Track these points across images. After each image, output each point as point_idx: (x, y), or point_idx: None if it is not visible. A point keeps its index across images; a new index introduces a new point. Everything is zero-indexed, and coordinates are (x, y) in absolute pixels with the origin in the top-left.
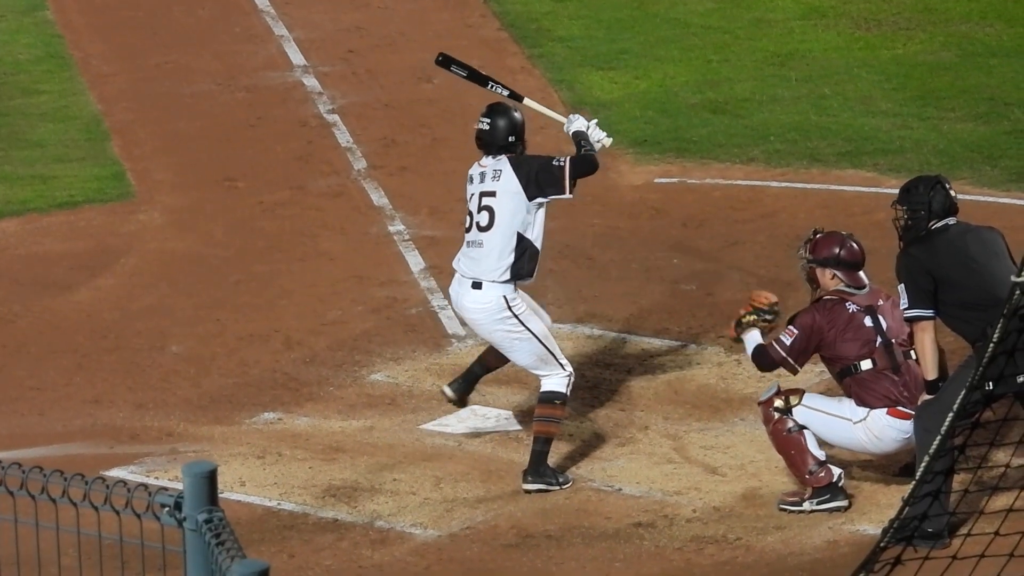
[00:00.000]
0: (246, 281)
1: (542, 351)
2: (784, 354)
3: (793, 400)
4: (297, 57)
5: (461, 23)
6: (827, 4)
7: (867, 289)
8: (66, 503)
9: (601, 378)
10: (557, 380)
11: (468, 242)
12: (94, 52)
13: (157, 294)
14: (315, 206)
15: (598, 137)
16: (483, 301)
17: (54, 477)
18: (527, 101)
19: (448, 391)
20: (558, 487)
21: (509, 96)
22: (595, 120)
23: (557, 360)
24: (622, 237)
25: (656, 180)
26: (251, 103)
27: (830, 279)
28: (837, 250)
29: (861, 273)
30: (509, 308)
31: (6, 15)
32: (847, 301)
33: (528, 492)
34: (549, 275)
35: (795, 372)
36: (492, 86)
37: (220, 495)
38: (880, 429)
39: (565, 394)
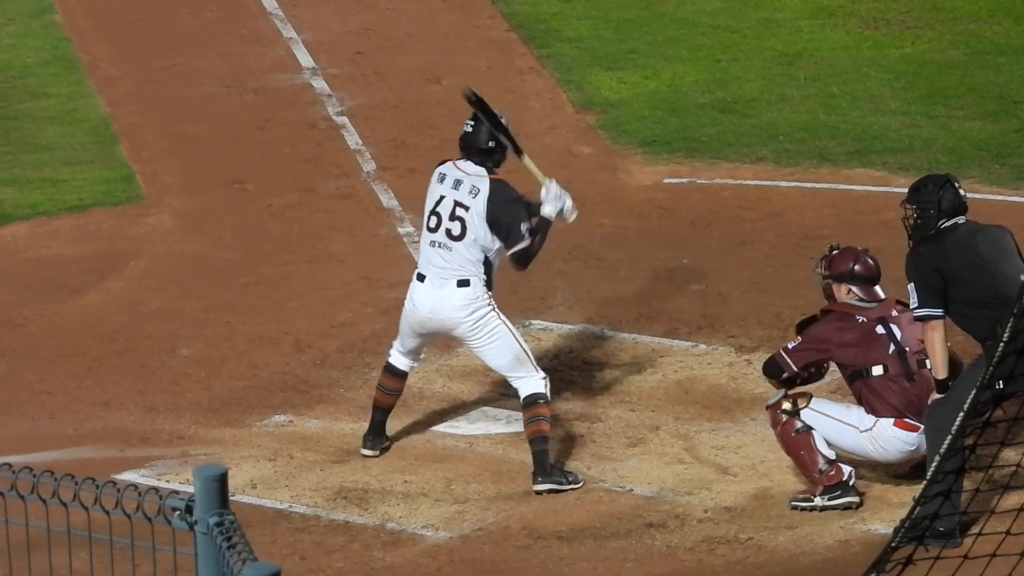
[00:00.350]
0: (255, 283)
1: (518, 350)
2: (784, 354)
3: (801, 403)
4: (305, 59)
5: (469, 24)
6: (835, 3)
7: (878, 303)
8: (77, 507)
9: (611, 379)
10: (534, 383)
11: (435, 243)
12: (102, 55)
13: (166, 297)
14: (324, 208)
15: (566, 209)
16: (472, 296)
17: (65, 481)
18: (525, 159)
19: (367, 451)
20: (568, 486)
21: (512, 149)
22: (568, 191)
23: (532, 362)
24: (631, 237)
25: (665, 180)
26: (259, 105)
27: (845, 294)
28: (852, 265)
29: (877, 288)
30: (491, 303)
31: (14, 19)
32: (856, 315)
33: (539, 493)
34: (558, 276)
35: (793, 373)
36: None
37: (231, 498)
38: (886, 440)
39: (545, 394)
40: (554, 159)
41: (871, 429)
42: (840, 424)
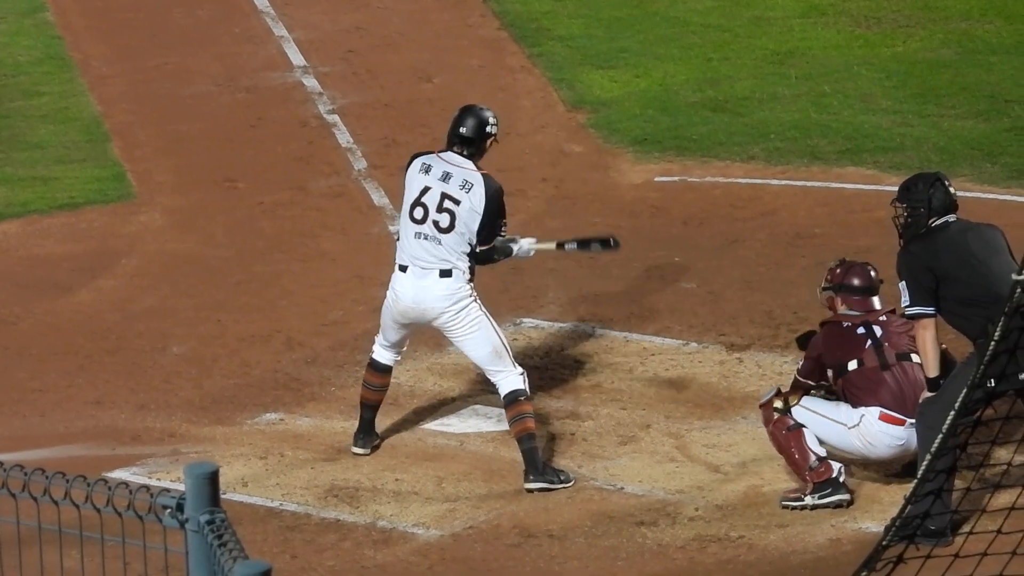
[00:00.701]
0: (247, 282)
1: (497, 343)
2: (800, 377)
3: (792, 401)
4: (297, 58)
5: (461, 23)
6: (827, 2)
7: (870, 312)
8: (68, 505)
9: (602, 377)
10: (513, 379)
11: (421, 234)
12: (94, 54)
13: (158, 295)
14: (316, 207)
15: (523, 256)
16: (454, 287)
17: (56, 479)
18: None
19: (357, 450)
20: (560, 485)
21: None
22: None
23: (510, 356)
24: (622, 236)
25: (656, 179)
26: (251, 104)
27: (840, 304)
28: (849, 278)
29: (874, 299)
30: (472, 293)
31: (6, 17)
32: (843, 321)
33: (530, 491)
34: (550, 274)
35: (809, 390)
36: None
37: (222, 496)
38: (873, 435)
39: (525, 390)
40: (545, 158)
41: (858, 424)
42: (829, 421)
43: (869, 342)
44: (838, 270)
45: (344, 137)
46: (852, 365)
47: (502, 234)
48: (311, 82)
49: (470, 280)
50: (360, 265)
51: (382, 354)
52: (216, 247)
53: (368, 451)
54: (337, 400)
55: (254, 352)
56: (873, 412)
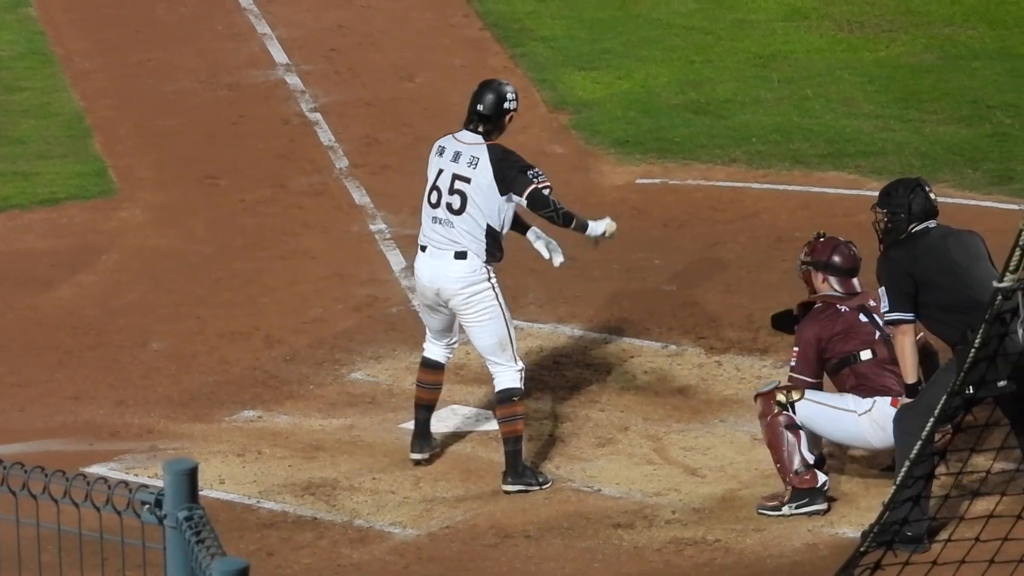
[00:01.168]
0: (227, 279)
1: (504, 336)
2: (796, 375)
3: (795, 395)
4: (279, 55)
5: (444, 22)
6: (810, 6)
7: (855, 295)
8: (46, 500)
9: (581, 378)
10: (511, 375)
11: (435, 218)
12: (76, 49)
13: (138, 291)
14: (297, 204)
15: (601, 230)
16: (468, 269)
17: (34, 473)
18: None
19: (416, 456)
20: (538, 487)
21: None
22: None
23: (514, 351)
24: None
25: (638, 180)
26: (233, 101)
27: (821, 282)
28: (832, 256)
29: (855, 280)
30: (490, 279)
31: None
32: (837, 304)
33: (508, 493)
34: (531, 275)
35: (811, 385)
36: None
37: (200, 492)
38: (884, 420)
39: (520, 389)
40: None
41: (870, 411)
42: (837, 411)
43: (878, 332)
44: (820, 243)
45: (326, 135)
46: (866, 355)
47: (542, 187)
48: (293, 80)
49: (486, 263)
50: (340, 263)
51: (431, 349)
52: (197, 243)
53: (426, 456)
54: (315, 398)
55: (233, 349)
56: (886, 399)
